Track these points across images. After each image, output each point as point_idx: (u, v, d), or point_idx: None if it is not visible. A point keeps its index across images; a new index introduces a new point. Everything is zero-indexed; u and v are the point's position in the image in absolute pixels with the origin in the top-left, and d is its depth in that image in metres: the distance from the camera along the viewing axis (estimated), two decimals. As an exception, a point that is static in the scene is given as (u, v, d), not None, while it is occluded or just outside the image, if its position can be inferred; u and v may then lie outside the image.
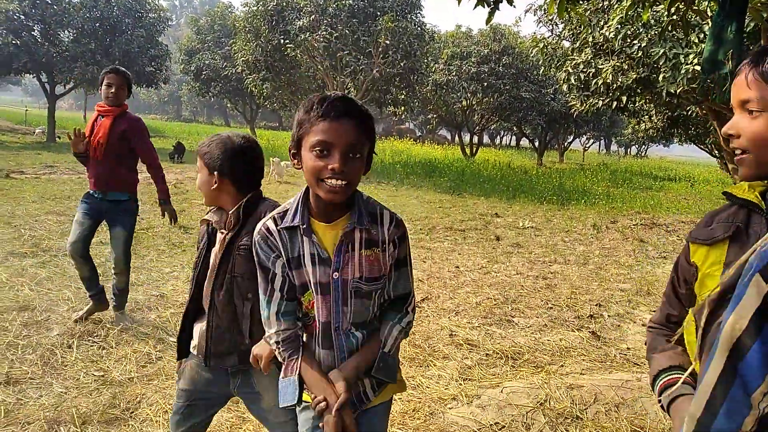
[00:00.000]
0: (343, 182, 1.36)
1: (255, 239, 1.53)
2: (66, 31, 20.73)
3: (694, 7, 4.32)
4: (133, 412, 2.90)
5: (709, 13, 6.09)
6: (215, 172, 1.83)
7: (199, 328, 1.92)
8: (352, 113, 1.37)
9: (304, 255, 1.48)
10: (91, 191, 3.93)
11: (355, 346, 1.54)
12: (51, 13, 19.69)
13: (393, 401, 3.11)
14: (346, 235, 1.47)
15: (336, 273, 1.47)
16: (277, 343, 1.55)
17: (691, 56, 8.18)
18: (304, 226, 1.47)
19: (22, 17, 19.23)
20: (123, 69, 3.91)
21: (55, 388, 3.06)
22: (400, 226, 1.54)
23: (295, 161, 1.46)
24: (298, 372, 1.50)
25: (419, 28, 18.12)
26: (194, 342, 1.94)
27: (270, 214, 1.54)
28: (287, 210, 1.51)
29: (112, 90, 3.82)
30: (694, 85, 8.30)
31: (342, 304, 1.50)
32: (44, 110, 24.87)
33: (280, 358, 1.57)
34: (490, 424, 2.97)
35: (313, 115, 1.37)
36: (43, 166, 12.97)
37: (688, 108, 12.01)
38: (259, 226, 1.53)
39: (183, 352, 1.99)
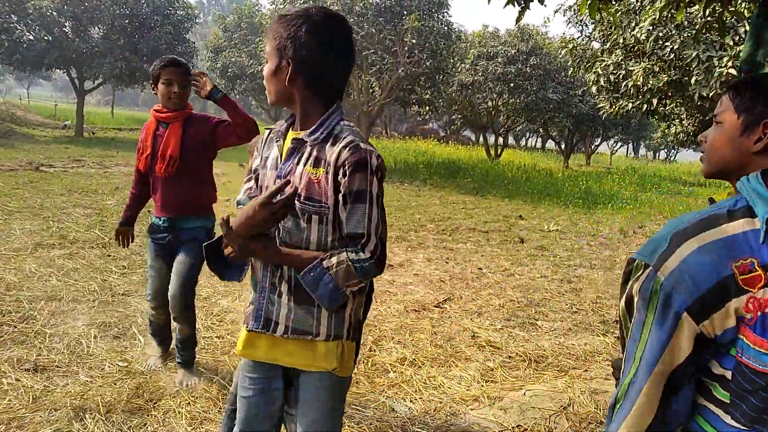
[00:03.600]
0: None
1: None
2: (96, 28, 21.15)
3: (731, 9, 4.20)
4: (156, 403, 2.92)
5: (747, 15, 5.92)
6: None
7: None
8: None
9: (269, 158, 1.57)
10: (157, 219, 3.15)
11: (283, 269, 1.52)
12: (82, 9, 20.09)
13: (413, 400, 3.10)
14: (295, 142, 1.49)
15: (279, 180, 1.48)
16: None
17: (725, 59, 7.98)
18: (280, 130, 1.55)
19: (55, 14, 19.65)
20: (184, 61, 3.10)
21: (81, 377, 3.10)
22: (355, 152, 1.40)
23: None
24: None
25: (446, 28, 18.02)
26: None
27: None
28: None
29: (175, 89, 2.96)
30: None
31: None
32: (73, 105, 25.39)
33: None
34: (512, 427, 2.92)
35: None
36: (71, 160, 13.23)
37: (720, 112, 11.73)
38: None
39: None
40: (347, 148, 1.41)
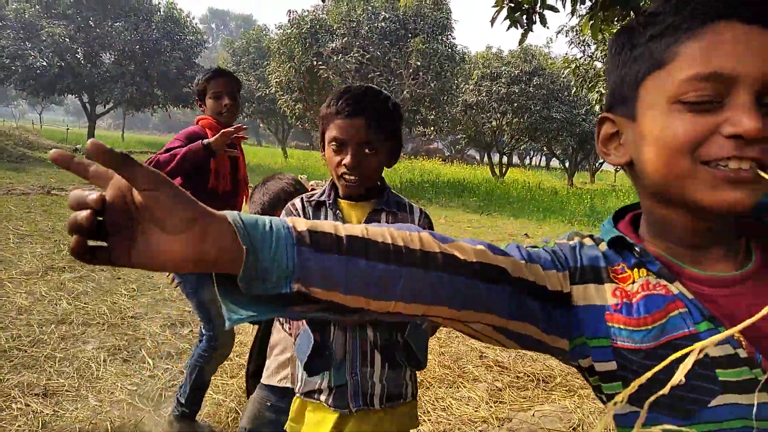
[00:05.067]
0: (356, 177, 1.43)
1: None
2: (107, 54, 21.56)
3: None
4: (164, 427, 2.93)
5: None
6: None
7: (293, 361, 1.84)
8: (364, 112, 1.41)
9: None
10: None
11: (368, 335, 1.48)
12: (94, 36, 20.51)
13: (421, 422, 3.09)
14: (373, 213, 1.50)
15: None
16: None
17: (728, 76, 8.03)
18: (330, 201, 1.52)
19: (67, 40, 20.06)
20: (230, 70, 2.87)
21: (90, 401, 3.12)
22: (428, 219, 1.57)
23: (323, 153, 1.53)
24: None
25: (450, 50, 18.25)
26: (283, 374, 1.87)
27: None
28: (316, 192, 1.58)
29: (226, 101, 2.69)
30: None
31: None
32: (85, 129, 25.75)
33: (289, 329, 1.57)
34: (521, 450, 2.91)
35: (330, 111, 1.44)
36: (82, 184, 13.39)
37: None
38: (287, 205, 1.58)
39: (252, 390, 1.96)
40: (423, 216, 1.55)
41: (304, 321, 1.46)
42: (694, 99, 0.65)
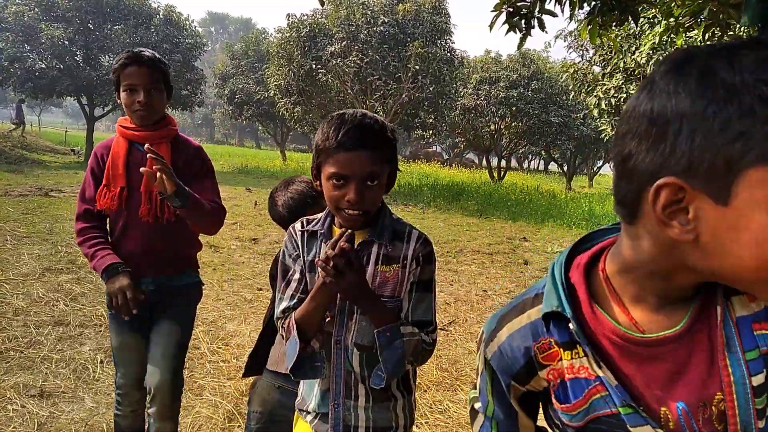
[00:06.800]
0: (359, 212, 1.36)
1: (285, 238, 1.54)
2: (106, 56, 21.52)
3: (730, 33, 4.28)
4: (161, 429, 2.93)
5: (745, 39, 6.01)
6: None
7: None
8: (367, 143, 1.32)
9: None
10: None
11: (353, 367, 1.44)
12: (93, 38, 20.50)
13: (418, 425, 3.09)
14: (362, 245, 1.43)
15: None
16: (282, 327, 1.48)
17: (725, 81, 8.05)
18: (323, 230, 1.46)
19: (66, 43, 20.05)
20: (151, 54, 2.16)
21: (86, 403, 3.11)
22: (427, 245, 1.46)
23: (317, 183, 1.44)
24: (293, 319, 1.42)
25: (448, 54, 18.29)
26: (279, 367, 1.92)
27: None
28: (317, 218, 1.51)
29: (140, 97, 2.07)
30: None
31: (347, 317, 1.43)
32: (83, 131, 25.70)
33: (284, 336, 1.48)
34: (518, 453, 2.91)
35: (329, 145, 1.33)
36: (80, 185, 13.37)
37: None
38: (289, 228, 1.53)
39: (252, 369, 1.99)
40: (420, 242, 1.44)
41: (294, 328, 1.41)
42: None
